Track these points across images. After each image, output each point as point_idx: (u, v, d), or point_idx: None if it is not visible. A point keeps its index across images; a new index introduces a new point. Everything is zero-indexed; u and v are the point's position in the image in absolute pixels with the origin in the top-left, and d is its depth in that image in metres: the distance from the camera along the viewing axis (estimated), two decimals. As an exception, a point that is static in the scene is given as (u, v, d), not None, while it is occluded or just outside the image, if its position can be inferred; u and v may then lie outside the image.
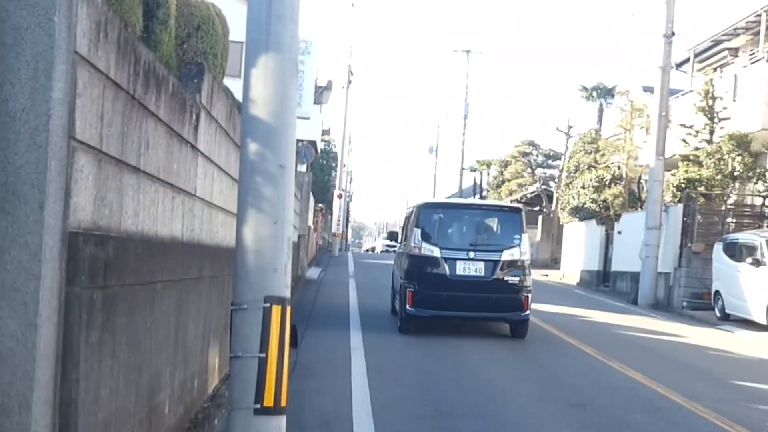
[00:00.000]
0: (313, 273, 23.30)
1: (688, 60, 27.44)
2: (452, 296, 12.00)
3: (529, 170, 46.44)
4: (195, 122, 5.97)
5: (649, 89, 30.23)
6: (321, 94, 49.37)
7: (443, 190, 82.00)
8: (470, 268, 12.17)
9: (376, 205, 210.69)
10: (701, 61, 27.81)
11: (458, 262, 12.11)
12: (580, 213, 29.53)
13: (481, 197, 60.91)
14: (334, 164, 48.68)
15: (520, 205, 15.44)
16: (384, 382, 8.36)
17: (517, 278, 12.28)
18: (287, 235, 4.05)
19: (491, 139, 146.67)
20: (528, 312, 12.26)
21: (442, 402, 7.69)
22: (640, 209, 26.58)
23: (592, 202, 28.46)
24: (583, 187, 29.13)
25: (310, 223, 27.14)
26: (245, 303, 3.92)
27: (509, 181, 47.52)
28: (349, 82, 36.96)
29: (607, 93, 39.75)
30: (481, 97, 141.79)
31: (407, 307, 12.09)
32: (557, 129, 41.19)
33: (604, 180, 28.35)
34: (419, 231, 12.54)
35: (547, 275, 32.98)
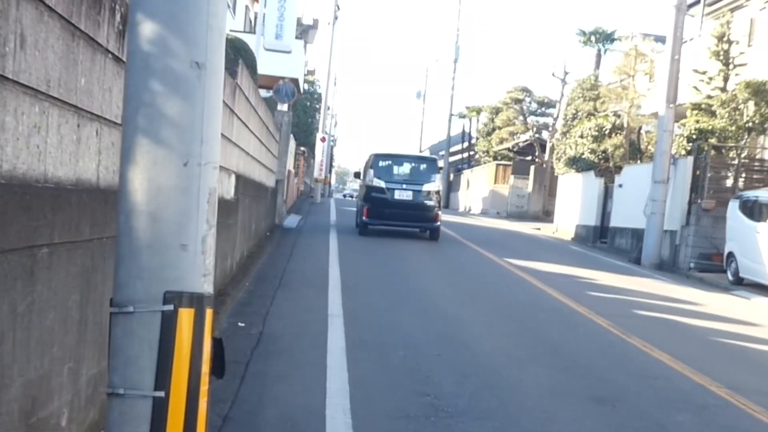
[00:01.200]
0: (291, 221, 21.66)
1: (698, 2, 25.53)
2: (391, 212, 19.03)
3: (521, 118, 44.66)
4: (114, 19, 4.25)
5: (649, 36, 28.55)
6: (306, 32, 47.36)
7: (431, 136, 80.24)
8: (403, 194, 19.13)
9: (362, 151, 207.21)
10: (711, 4, 25.94)
11: (396, 191, 19.16)
12: (578, 164, 27.89)
13: (470, 145, 59.25)
14: (318, 106, 46.75)
15: (435, 156, 22.90)
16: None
17: (432, 202, 19.28)
18: (209, 184, 2.35)
19: (482, 85, 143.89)
20: (438, 223, 19.77)
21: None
22: (639, 161, 25.02)
23: (590, 153, 26.80)
24: (581, 137, 27.43)
25: (290, 167, 25.40)
26: (130, 303, 2.26)
27: (500, 128, 45.82)
28: (335, 18, 34.85)
29: (606, 38, 37.90)
30: (473, 41, 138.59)
31: (363, 218, 19.40)
32: (552, 75, 39.38)
33: (604, 129, 26.66)
34: (372, 171, 19.66)
35: (539, 228, 31.48)
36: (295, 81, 25.67)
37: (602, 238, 25.72)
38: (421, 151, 73.74)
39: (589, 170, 27.11)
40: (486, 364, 7.12)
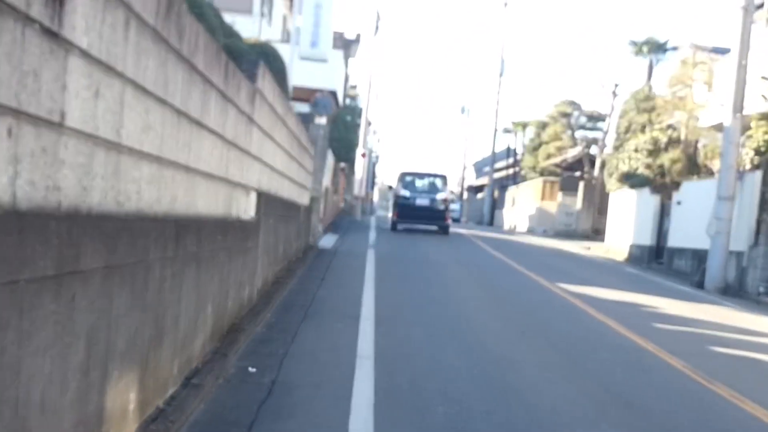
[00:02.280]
0: (327, 241, 20.46)
1: (762, 5, 23.91)
2: (414, 213, 26.98)
3: (569, 132, 43.08)
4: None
5: (704, 48, 26.87)
6: (349, 47, 46.50)
7: (476, 152, 78.90)
8: (423, 200, 27.04)
9: (405, 167, 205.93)
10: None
11: (417, 197, 27.08)
12: (631, 179, 26.31)
13: (516, 161, 57.74)
14: (359, 121, 45.70)
15: (444, 174, 29.81)
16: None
17: (443, 207, 27.15)
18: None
19: (528, 99, 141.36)
20: (448, 222, 27.85)
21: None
22: (697, 177, 23.43)
23: (645, 168, 25.22)
24: (635, 151, 25.86)
25: (327, 183, 24.25)
26: None
27: (547, 143, 44.32)
28: (377, 28, 33.75)
29: (658, 48, 36.27)
30: (519, 54, 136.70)
31: (394, 218, 27.79)
32: (602, 86, 37.77)
33: (660, 143, 25.08)
34: (400, 184, 28.03)
35: (589, 248, 29.88)
36: (333, 93, 24.63)
37: (658, 259, 24.12)
38: (464, 168, 72.49)
39: (643, 186, 25.53)
40: (548, 425, 5.79)
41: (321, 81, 23.91)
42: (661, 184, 24.82)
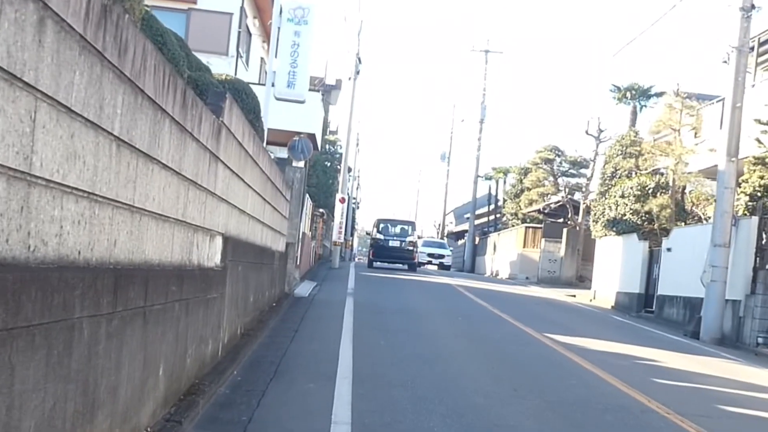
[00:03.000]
0: (304, 289, 19.52)
1: (752, 49, 23.54)
2: (388, 253, 33.60)
3: (551, 179, 42.55)
4: None
5: (688, 94, 26.43)
6: (329, 92, 45.83)
7: (456, 198, 78.36)
8: (395, 243, 33.51)
9: (385, 213, 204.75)
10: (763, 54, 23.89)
11: (390, 240, 33.57)
12: (618, 226, 25.63)
13: (496, 207, 57.21)
14: (339, 167, 45.04)
15: (413, 221, 45.72)
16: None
17: (412, 247, 33.60)
18: None
19: (509, 146, 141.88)
20: (415, 260, 34.46)
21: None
22: (684, 223, 22.79)
23: (632, 214, 24.55)
24: (622, 196, 25.21)
25: (305, 228, 23.38)
26: None
27: (529, 190, 43.75)
28: (357, 72, 33.17)
29: (642, 94, 35.92)
30: (500, 101, 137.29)
31: (371, 257, 35.30)
32: (586, 133, 37.27)
33: (647, 188, 24.45)
34: (375, 229, 34.95)
35: (574, 296, 29.11)
36: (311, 137, 23.88)
37: (647, 307, 23.35)
38: (445, 214, 71.99)
39: (631, 233, 24.84)
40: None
41: (299, 124, 23.16)
42: (649, 231, 24.15)
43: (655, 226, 23.73)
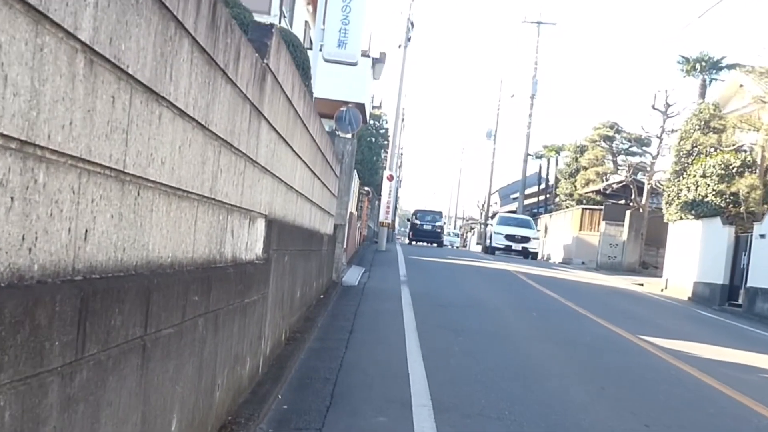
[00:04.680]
0: (352, 276, 17.51)
1: None
2: (422, 234, 49.65)
3: (610, 157, 39.97)
4: None
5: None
6: (374, 66, 43.59)
7: (503, 178, 75.90)
8: (428, 226, 49.61)
9: (426, 193, 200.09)
10: None
11: (424, 225, 49.83)
12: (698, 208, 23.17)
13: (547, 187, 54.71)
14: (384, 143, 42.90)
15: (441, 210, 57.25)
16: None
17: (440, 230, 50.45)
18: None
19: (561, 123, 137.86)
20: (443, 239, 52.27)
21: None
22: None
23: (716, 195, 22.10)
24: (703, 176, 22.76)
25: (353, 209, 21.37)
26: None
27: (586, 169, 41.19)
28: (408, 39, 30.91)
29: (712, 66, 33.24)
30: (552, 75, 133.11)
31: (410, 237, 52.07)
32: (652, 107, 34.62)
33: (732, 167, 21.99)
34: (414, 216, 52.94)
35: (641, 284, 26.71)
36: (360, 107, 21.83)
37: (731, 300, 20.97)
38: (490, 194, 69.75)
39: (713, 216, 22.39)
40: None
41: (348, 93, 21.14)
42: (734, 214, 21.70)
43: (742, 210, 21.28)
